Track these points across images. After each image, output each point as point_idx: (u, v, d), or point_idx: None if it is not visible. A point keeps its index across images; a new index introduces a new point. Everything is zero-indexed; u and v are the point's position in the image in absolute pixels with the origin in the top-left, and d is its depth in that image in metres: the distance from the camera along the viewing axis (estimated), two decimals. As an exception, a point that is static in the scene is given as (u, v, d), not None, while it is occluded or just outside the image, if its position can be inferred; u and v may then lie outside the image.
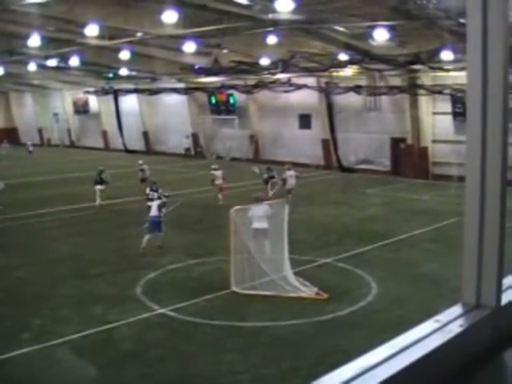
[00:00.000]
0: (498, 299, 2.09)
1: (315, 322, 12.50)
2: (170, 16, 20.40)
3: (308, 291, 14.03)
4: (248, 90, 39.91)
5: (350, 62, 30.60)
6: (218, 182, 26.53)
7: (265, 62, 31.83)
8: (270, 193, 25.86)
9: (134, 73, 41.42)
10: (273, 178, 27.27)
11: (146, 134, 50.53)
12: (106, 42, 27.43)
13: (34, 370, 10.50)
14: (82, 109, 56.06)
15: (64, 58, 33.31)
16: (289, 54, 29.92)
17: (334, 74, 34.66)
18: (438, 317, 1.99)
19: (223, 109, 44.48)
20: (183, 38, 26.24)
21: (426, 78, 32.57)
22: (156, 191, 21.06)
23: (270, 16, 21.77)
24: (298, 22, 22.79)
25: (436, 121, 34.29)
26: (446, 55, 25.68)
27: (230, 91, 42.32)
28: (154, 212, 18.73)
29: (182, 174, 35.81)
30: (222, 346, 11.43)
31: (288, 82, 36.73)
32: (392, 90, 33.43)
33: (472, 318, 2.02)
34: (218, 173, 26.79)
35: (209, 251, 17.85)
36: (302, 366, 10.49)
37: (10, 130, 62.34)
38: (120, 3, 23.32)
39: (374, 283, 14.89)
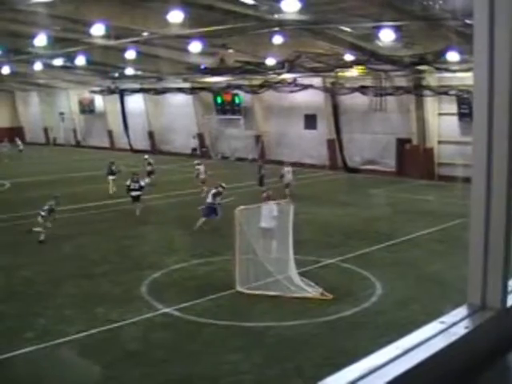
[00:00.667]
0: (504, 301, 2.08)
1: (320, 323, 12.49)
2: (175, 16, 20.44)
3: (313, 292, 14.02)
4: (253, 90, 39.91)
5: (356, 63, 30.60)
6: (202, 176, 29.18)
7: (270, 62, 31.84)
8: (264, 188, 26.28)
9: (139, 72, 41.50)
10: (262, 175, 29.31)
11: (151, 134, 50.57)
12: (111, 42, 27.48)
13: (37, 369, 10.51)
14: (87, 108, 56.16)
15: (70, 57, 33.41)
16: (295, 54, 29.92)
17: (340, 74, 34.64)
18: (443, 318, 1.99)
19: (229, 109, 44.48)
20: (189, 37, 26.26)
21: (432, 78, 32.52)
22: (137, 182, 23.69)
23: (276, 16, 21.79)
24: (304, 23, 22.79)
25: (442, 122, 34.23)
26: (452, 56, 25.64)
27: (236, 91, 42.33)
28: (209, 199, 20.96)
29: (188, 173, 35.77)
30: (226, 345, 11.43)
31: (294, 82, 36.73)
32: (398, 90, 33.39)
33: (477, 320, 2.01)
34: (201, 168, 29.71)
35: (213, 251, 17.86)
36: (307, 366, 10.49)
37: (16, 129, 62.51)
38: (126, 3, 23.37)
39: (379, 284, 14.87)
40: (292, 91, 37.30)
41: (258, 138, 42.86)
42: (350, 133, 37.83)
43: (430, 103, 33.74)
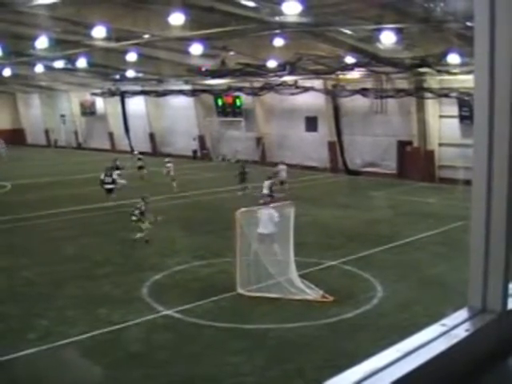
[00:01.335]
0: (505, 304, 2.08)
1: (321, 325, 12.49)
2: (177, 18, 20.43)
3: (314, 294, 14.02)
4: (254, 92, 39.93)
5: (357, 65, 30.59)
6: (172, 173, 31.66)
7: (272, 64, 31.85)
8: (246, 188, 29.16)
9: (140, 75, 41.53)
10: (245, 173, 30.49)
11: (152, 136, 50.61)
12: (113, 44, 27.49)
13: (39, 370, 10.52)
14: (88, 110, 56.24)
15: (71, 59, 33.43)
16: (296, 56, 29.92)
17: (341, 76, 34.65)
18: (443, 321, 1.99)
19: (230, 111, 44.52)
20: (190, 40, 26.27)
21: (433, 81, 32.54)
22: (110, 176, 26.36)
23: (277, 18, 21.78)
24: (305, 25, 22.79)
25: (442, 124, 34.24)
26: (453, 58, 25.63)
27: (237, 93, 42.34)
28: (265, 190, 24.45)
29: (188, 175, 35.82)
30: (227, 347, 11.43)
31: (295, 85, 36.73)
32: (399, 92, 33.39)
33: (478, 323, 2.01)
34: (171, 165, 32.30)
35: (215, 253, 17.86)
36: (308, 368, 10.49)
37: (17, 131, 62.59)
38: (127, 5, 23.38)
39: (380, 286, 14.86)
40: (293, 93, 37.28)
41: (258, 140, 42.87)
42: (351, 135, 37.85)
43: (431, 105, 33.75)
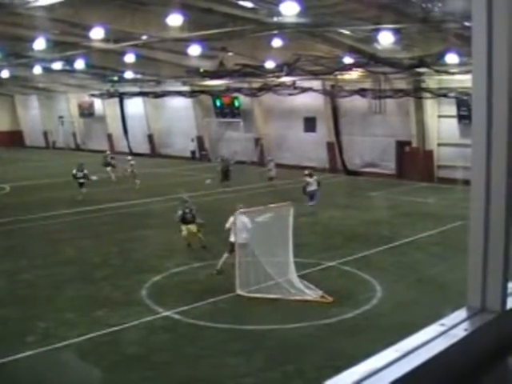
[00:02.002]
0: (504, 303, 2.08)
1: (320, 325, 12.49)
2: (175, 19, 20.41)
3: (313, 294, 14.02)
4: (253, 92, 39.89)
5: (355, 65, 30.58)
6: (135, 170, 32.83)
7: (270, 64, 31.82)
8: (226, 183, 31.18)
9: (139, 76, 41.50)
10: (228, 170, 32.36)
11: (151, 137, 50.58)
12: (111, 45, 27.47)
13: (38, 372, 10.51)
14: (87, 112, 56.16)
15: (69, 61, 33.42)
16: (294, 56, 29.90)
17: (339, 77, 34.64)
18: (442, 321, 1.99)
19: (228, 112, 44.50)
20: (188, 41, 26.27)
21: (432, 81, 32.53)
22: (82, 171, 28.78)
23: (275, 19, 21.78)
24: (303, 25, 22.80)
25: (441, 124, 34.24)
26: (451, 58, 25.63)
27: (235, 94, 42.32)
28: (313, 187, 24.91)
29: (187, 177, 35.83)
30: (226, 349, 11.42)
31: (293, 85, 36.69)
32: (397, 93, 33.38)
33: (477, 322, 2.01)
34: (134, 162, 33.60)
35: (214, 254, 17.82)
36: (307, 369, 10.49)
37: (16, 133, 62.52)
38: (125, 6, 23.37)
39: (379, 286, 14.86)
40: (291, 94, 37.25)
41: (257, 141, 42.85)
42: (350, 135, 37.84)
43: (430, 105, 33.75)
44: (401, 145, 35.75)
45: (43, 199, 28.40)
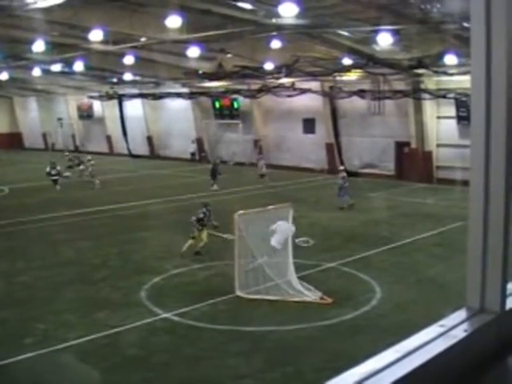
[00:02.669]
0: (503, 304, 2.08)
1: (320, 327, 12.49)
2: (174, 21, 20.42)
3: (312, 296, 14.01)
4: (252, 94, 39.88)
5: (354, 67, 30.60)
6: (93, 171, 33.60)
7: (269, 66, 31.85)
8: (215, 184, 31.32)
9: (138, 78, 41.50)
10: (217, 170, 32.30)
11: (150, 139, 50.55)
12: (110, 47, 27.48)
13: (37, 374, 10.50)
14: (86, 114, 56.11)
15: (68, 63, 33.42)
16: (293, 58, 29.93)
17: (338, 78, 34.64)
18: (442, 321, 1.99)
19: (227, 113, 44.47)
20: (187, 42, 26.27)
21: (430, 82, 32.54)
22: (55, 169, 31.26)
23: (274, 20, 21.80)
24: (301, 27, 22.81)
25: (440, 125, 34.23)
26: (450, 59, 25.66)
27: (234, 96, 42.31)
28: (342, 182, 26.06)
29: (186, 178, 35.84)
30: (226, 350, 11.41)
31: (292, 87, 36.70)
32: (396, 94, 33.38)
33: (476, 323, 2.01)
34: (93, 162, 34.78)
35: (213, 255, 17.82)
36: (307, 370, 10.48)
37: (15, 135, 62.47)
38: (124, 8, 23.39)
39: (379, 287, 14.86)
40: (290, 95, 37.25)
41: (256, 143, 42.83)
42: (349, 136, 37.84)
43: (429, 106, 33.75)
44: (400, 146, 35.74)
45: (42, 201, 28.40)
